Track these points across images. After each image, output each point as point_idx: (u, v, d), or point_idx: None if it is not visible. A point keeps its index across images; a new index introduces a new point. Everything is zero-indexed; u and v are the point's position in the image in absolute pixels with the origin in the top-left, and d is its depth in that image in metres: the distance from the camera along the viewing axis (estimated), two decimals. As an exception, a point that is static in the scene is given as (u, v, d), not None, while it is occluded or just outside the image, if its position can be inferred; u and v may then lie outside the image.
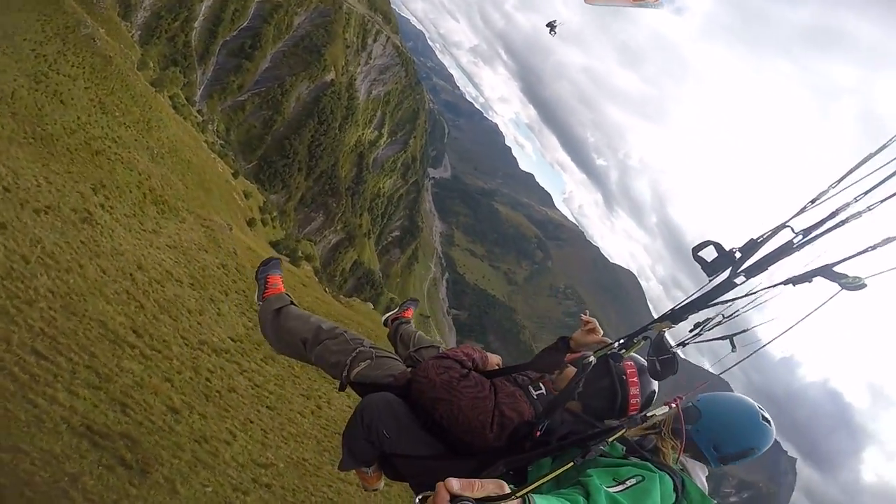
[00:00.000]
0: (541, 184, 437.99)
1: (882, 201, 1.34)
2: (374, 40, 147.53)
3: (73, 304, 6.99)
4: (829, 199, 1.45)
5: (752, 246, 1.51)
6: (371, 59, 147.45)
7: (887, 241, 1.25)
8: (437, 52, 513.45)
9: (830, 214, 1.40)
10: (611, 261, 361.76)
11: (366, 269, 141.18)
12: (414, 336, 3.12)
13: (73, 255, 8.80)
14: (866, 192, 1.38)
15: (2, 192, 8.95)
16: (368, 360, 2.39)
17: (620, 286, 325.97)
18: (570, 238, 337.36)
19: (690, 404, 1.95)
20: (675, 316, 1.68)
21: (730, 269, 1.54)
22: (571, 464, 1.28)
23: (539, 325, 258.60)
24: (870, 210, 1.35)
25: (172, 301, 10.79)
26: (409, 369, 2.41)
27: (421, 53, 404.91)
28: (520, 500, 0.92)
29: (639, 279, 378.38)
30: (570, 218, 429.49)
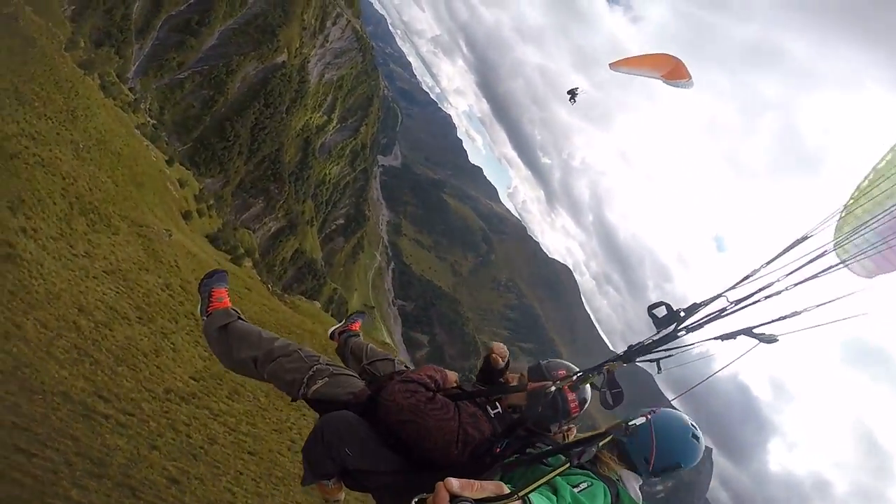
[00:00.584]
0: (488, 177, 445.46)
1: (797, 284, 1.79)
2: (334, 23, 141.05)
3: (28, 379, 6.35)
4: (758, 277, 1.87)
5: (694, 308, 1.90)
6: (328, 41, 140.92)
7: (794, 314, 1.69)
8: (397, 39, 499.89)
9: (757, 290, 1.81)
10: (549, 255, 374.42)
11: (307, 258, 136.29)
12: (366, 348, 3.08)
13: (7, 314, 7.76)
14: (788, 275, 1.81)
15: None
16: (326, 378, 2.40)
17: (557, 280, 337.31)
18: (512, 232, 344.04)
19: (632, 421, 2.06)
20: (626, 356, 2.00)
21: (674, 325, 1.91)
22: (567, 465, 1.45)
23: (482, 318, 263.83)
24: (787, 290, 1.79)
25: (125, 347, 10.01)
26: (367, 385, 2.45)
27: (380, 38, 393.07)
28: (520, 500, 0.98)
29: (574, 273, 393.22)
30: (514, 212, 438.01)
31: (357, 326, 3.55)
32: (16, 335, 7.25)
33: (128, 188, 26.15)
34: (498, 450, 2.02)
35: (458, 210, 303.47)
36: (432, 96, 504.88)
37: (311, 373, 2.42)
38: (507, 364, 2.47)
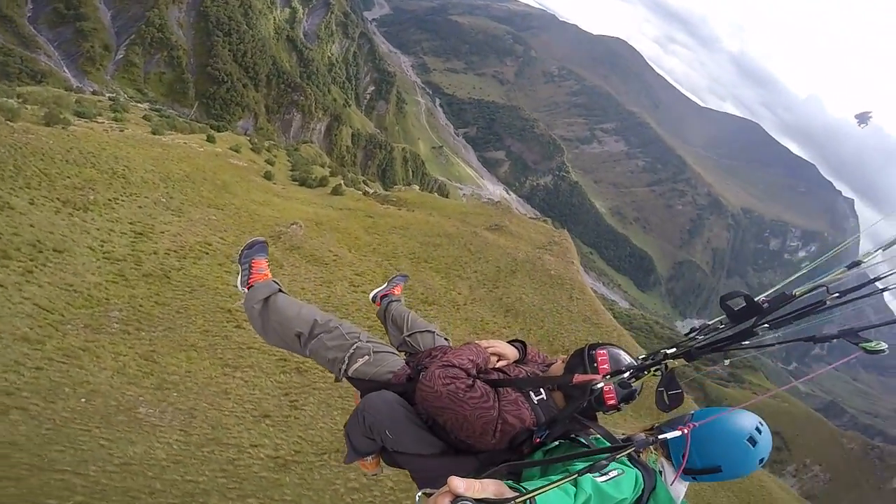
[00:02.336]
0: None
1: None
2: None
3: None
4: (872, 264, 1.44)
5: (782, 300, 1.52)
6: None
7: None
8: None
9: (869, 281, 1.41)
10: (594, 33, 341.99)
11: (365, 135, 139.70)
12: (407, 318, 2.99)
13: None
14: None
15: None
16: (366, 357, 2.40)
17: (613, 53, 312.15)
18: (542, 24, 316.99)
19: (690, 412, 1.93)
20: (689, 354, 1.70)
21: (754, 319, 1.56)
22: (575, 476, 1.30)
23: (549, 114, 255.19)
24: None
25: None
26: (406, 362, 2.45)
27: None
28: (522, 502, 1.00)
29: (629, 43, 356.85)
30: (534, 4, 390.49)
31: (399, 290, 3.47)
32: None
33: (224, 200, 23.82)
34: (538, 440, 1.94)
35: (474, 24, 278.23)
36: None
37: (351, 351, 2.42)
38: (524, 351, 2.45)
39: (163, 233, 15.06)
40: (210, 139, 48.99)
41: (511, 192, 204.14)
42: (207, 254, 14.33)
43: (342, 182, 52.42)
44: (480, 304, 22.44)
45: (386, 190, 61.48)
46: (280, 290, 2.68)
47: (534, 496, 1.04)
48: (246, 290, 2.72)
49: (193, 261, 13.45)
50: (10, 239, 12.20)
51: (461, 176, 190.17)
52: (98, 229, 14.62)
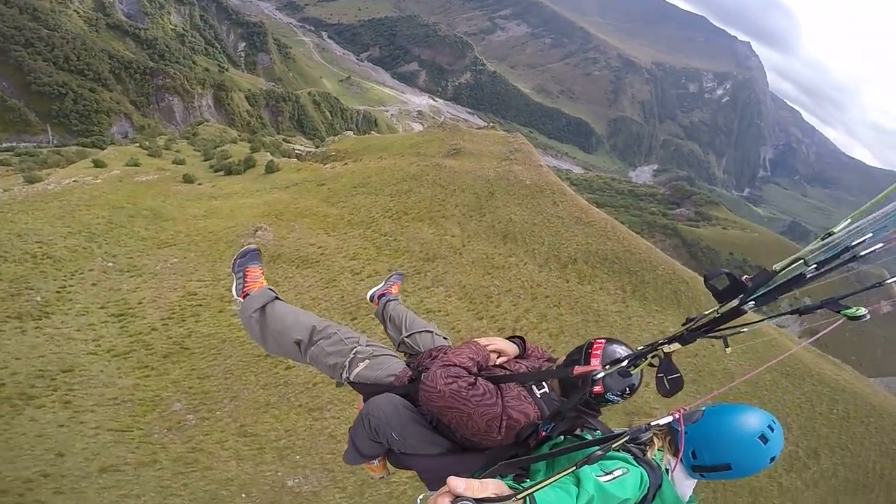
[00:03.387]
0: None
1: None
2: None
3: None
4: (847, 232, 1.44)
5: (764, 277, 1.54)
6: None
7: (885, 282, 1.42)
8: None
9: (843, 250, 1.41)
10: None
11: (262, 92, 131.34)
12: (405, 318, 2.96)
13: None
14: (884, 229, 1.35)
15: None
16: (366, 361, 2.40)
17: None
18: None
19: (701, 409, 1.92)
20: (685, 339, 1.71)
21: (740, 297, 1.59)
22: (574, 467, 1.30)
23: (446, 12, 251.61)
24: (886, 248, 1.37)
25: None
26: (407, 364, 2.44)
27: None
28: (523, 500, 1.02)
29: None
30: None
31: (397, 288, 3.42)
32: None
33: (167, 232, 20.52)
34: (543, 433, 1.95)
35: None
36: None
37: (351, 356, 2.42)
38: (524, 346, 2.42)
39: (140, 303, 13.01)
40: (98, 163, 42.21)
41: (438, 99, 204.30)
42: (200, 306, 12.58)
43: (271, 156, 47.82)
44: (477, 238, 21.72)
45: (318, 146, 56.99)
46: (277, 298, 2.62)
47: (532, 492, 1.05)
48: (241, 299, 2.64)
49: (194, 320, 11.88)
50: (15, 380, 10.79)
51: (382, 98, 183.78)
52: (78, 330, 12.59)
